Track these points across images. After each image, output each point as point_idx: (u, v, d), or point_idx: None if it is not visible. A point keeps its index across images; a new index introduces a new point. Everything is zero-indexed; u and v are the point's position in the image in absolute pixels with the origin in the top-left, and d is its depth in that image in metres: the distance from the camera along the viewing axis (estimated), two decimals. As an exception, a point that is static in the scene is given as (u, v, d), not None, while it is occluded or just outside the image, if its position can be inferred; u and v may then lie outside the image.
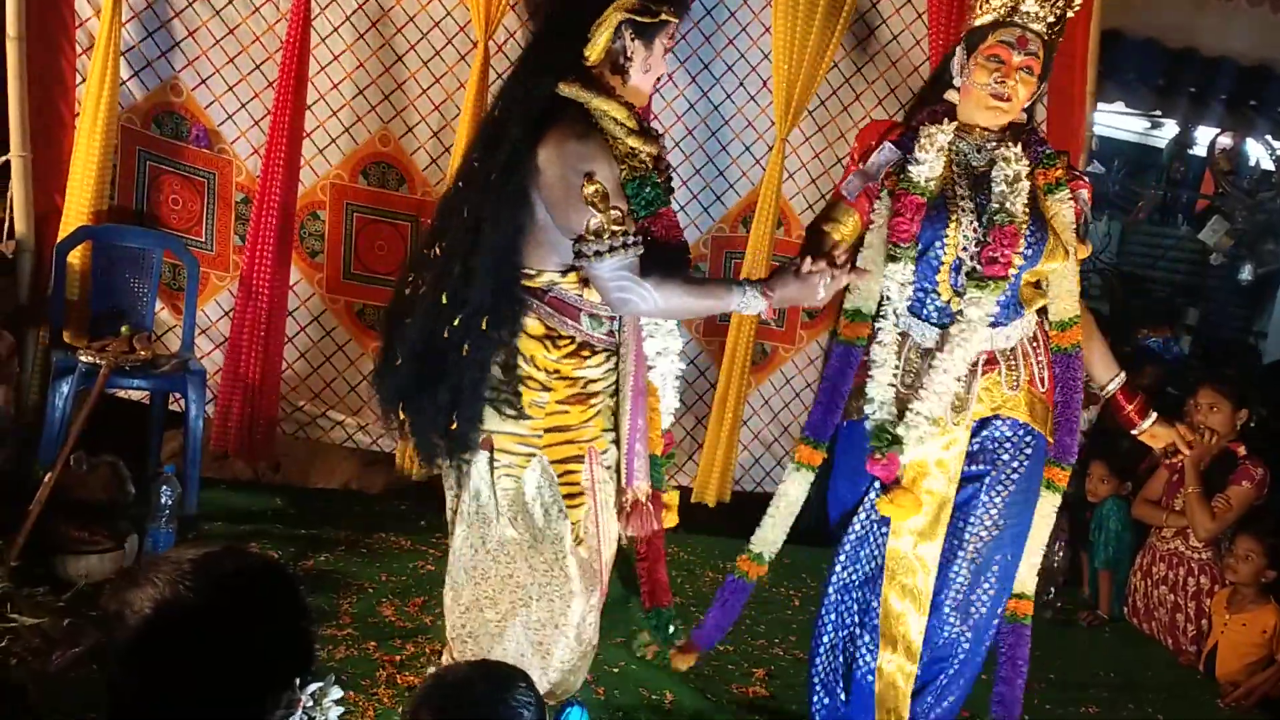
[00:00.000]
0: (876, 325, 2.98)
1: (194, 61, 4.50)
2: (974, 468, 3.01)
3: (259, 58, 4.52)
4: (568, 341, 2.62)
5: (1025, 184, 2.91)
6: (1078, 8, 2.93)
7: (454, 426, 2.58)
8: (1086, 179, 3.16)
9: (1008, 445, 3.01)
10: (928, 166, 2.91)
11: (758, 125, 5.00)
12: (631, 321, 2.72)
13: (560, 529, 2.65)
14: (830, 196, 3.19)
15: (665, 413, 2.94)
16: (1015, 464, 3.01)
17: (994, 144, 2.97)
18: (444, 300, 2.55)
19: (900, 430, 2.90)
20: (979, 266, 2.89)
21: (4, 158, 4.31)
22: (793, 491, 3.10)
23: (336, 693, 2.42)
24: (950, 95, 3.04)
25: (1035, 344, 3.06)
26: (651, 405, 2.83)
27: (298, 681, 1.48)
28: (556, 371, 2.61)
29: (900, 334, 2.97)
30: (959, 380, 2.92)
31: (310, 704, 2.39)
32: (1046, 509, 3.13)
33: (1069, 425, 3.09)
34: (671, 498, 2.95)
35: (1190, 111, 6.92)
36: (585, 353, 2.64)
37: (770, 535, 3.12)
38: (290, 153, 4.41)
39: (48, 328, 4.24)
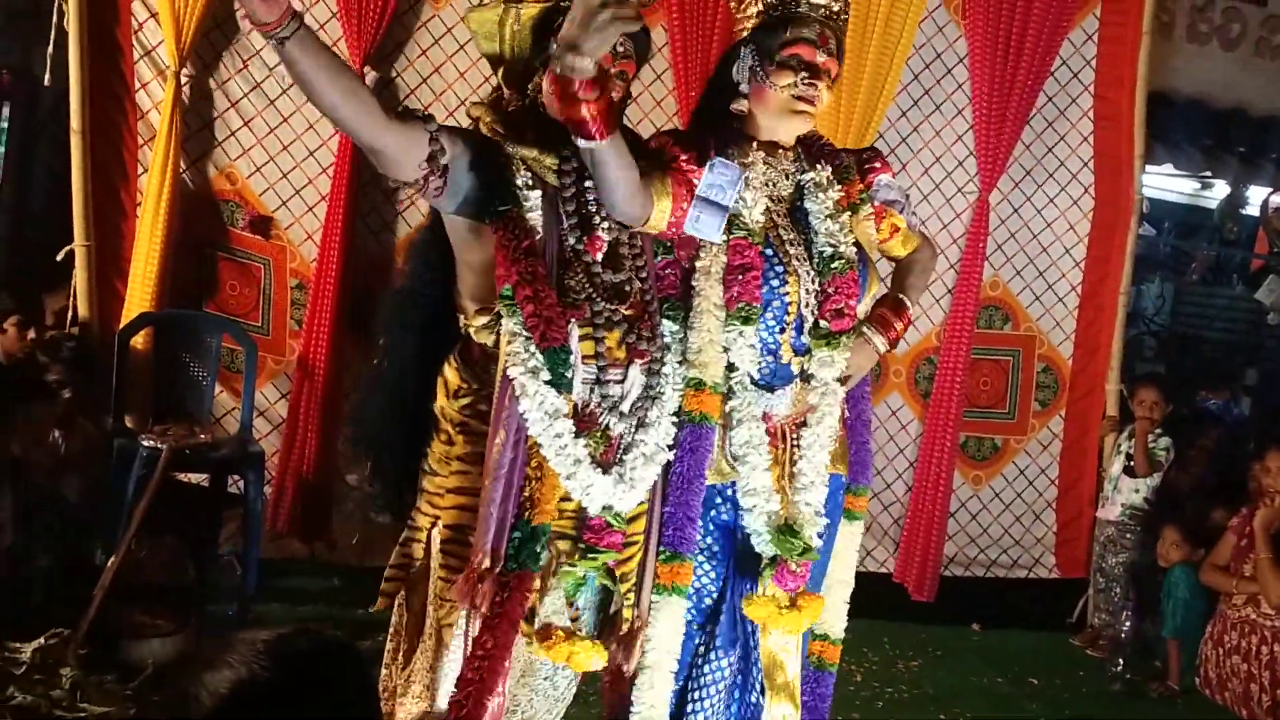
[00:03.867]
0: (732, 402, 2.50)
1: (249, 150, 4.62)
2: None
3: (312, 145, 4.62)
4: (469, 394, 2.34)
5: (845, 215, 2.57)
6: None
7: (379, 470, 2.49)
8: (883, 158, 2.76)
9: (829, 503, 2.62)
10: (757, 207, 2.50)
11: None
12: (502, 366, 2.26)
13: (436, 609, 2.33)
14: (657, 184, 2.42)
15: (591, 491, 2.28)
16: (833, 519, 2.71)
17: (794, 165, 2.61)
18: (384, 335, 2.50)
19: (805, 532, 2.47)
20: (824, 322, 2.54)
21: (68, 248, 4.43)
22: (668, 634, 2.47)
23: (405, 768, 2.39)
24: (738, 105, 2.58)
25: None
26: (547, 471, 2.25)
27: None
28: (463, 424, 2.33)
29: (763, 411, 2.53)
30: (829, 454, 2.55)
31: (379, 779, 2.36)
32: (850, 540, 2.80)
33: (861, 442, 2.77)
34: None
35: (1240, 171, 6.89)
36: (485, 407, 2.30)
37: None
38: (345, 234, 4.49)
39: (110, 413, 4.31)
